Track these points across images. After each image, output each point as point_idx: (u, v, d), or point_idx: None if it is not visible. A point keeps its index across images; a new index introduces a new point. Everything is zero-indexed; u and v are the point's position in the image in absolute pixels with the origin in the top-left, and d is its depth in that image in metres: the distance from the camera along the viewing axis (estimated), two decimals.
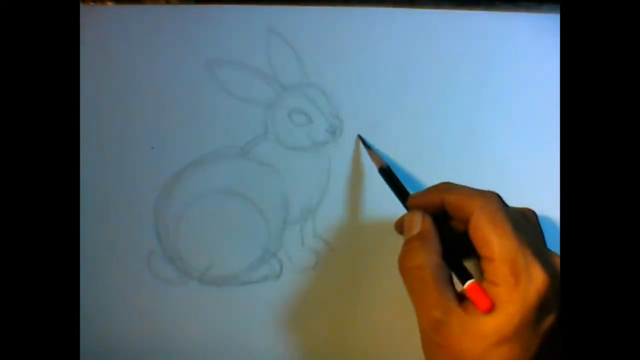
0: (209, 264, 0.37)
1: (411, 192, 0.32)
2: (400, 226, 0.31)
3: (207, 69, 0.36)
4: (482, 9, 0.36)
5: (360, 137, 0.36)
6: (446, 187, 0.29)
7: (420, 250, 0.27)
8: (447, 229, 0.29)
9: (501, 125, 0.36)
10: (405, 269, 0.28)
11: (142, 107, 0.36)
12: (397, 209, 0.32)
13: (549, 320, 0.25)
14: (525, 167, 0.36)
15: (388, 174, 0.33)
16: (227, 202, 0.37)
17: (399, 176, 0.33)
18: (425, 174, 0.36)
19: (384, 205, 0.36)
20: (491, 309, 0.25)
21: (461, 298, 0.26)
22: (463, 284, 0.26)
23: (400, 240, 0.29)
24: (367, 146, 0.36)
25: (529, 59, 0.36)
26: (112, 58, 0.36)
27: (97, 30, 0.36)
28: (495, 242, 0.25)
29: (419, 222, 0.28)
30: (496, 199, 0.27)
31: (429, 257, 0.27)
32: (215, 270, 0.37)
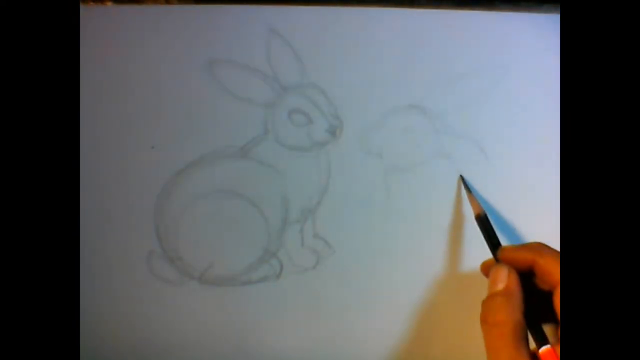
0: (209, 264, 0.37)
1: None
2: (486, 269, 0.32)
3: (207, 69, 0.36)
4: (482, 9, 0.36)
5: (462, 179, 0.36)
6: (539, 248, 0.30)
7: (504, 306, 0.28)
8: (530, 288, 0.30)
9: (501, 125, 0.36)
10: (487, 323, 0.28)
11: (142, 107, 0.36)
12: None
13: None
14: (525, 166, 0.36)
15: (484, 222, 0.33)
16: (227, 202, 0.37)
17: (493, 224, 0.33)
18: (425, 173, 0.36)
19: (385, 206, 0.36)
20: None
21: (534, 357, 0.27)
22: (539, 347, 0.27)
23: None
24: (468, 189, 0.35)
25: (529, 59, 0.36)
26: (112, 58, 0.36)
27: (97, 30, 0.36)
28: None
29: (505, 278, 0.29)
30: None
31: (511, 314, 0.28)
32: (215, 270, 0.37)
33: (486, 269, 0.33)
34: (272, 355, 0.38)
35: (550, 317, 0.28)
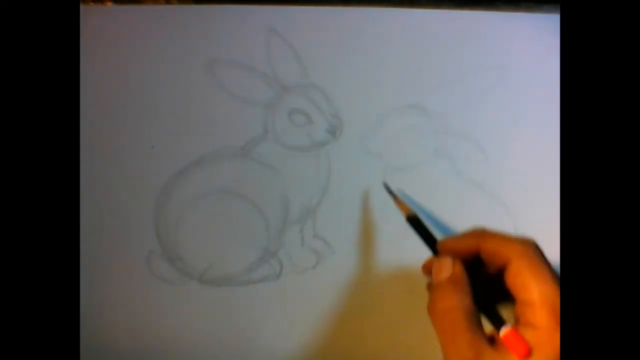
0: (209, 264, 0.37)
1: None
2: (428, 268, 0.32)
3: (207, 69, 0.36)
4: (482, 9, 0.36)
5: (385, 186, 0.36)
6: (481, 233, 0.30)
7: (453, 293, 0.28)
8: (476, 274, 0.29)
9: (501, 125, 0.36)
10: (436, 311, 0.28)
11: (142, 107, 0.36)
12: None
13: None
14: (525, 166, 0.36)
15: (416, 222, 0.33)
16: (227, 202, 0.37)
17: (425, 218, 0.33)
18: (425, 173, 0.36)
19: (387, 208, 0.36)
20: (529, 354, 0.25)
21: (490, 340, 0.27)
22: (497, 329, 0.27)
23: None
24: (393, 194, 0.35)
25: (529, 59, 0.36)
26: (112, 58, 0.36)
27: (97, 30, 0.36)
28: (535, 287, 0.26)
29: (450, 267, 0.29)
30: (533, 245, 0.28)
31: (460, 300, 0.28)
32: (215, 270, 0.37)
33: (427, 267, 0.32)
34: (272, 355, 0.38)
35: (504, 300, 0.28)
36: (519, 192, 0.36)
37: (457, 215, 0.36)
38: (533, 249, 0.27)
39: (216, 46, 0.36)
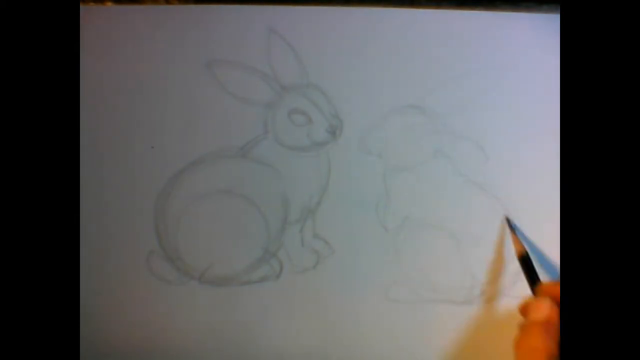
0: (209, 264, 0.37)
1: None
2: (524, 309, 0.32)
3: (207, 69, 0.36)
4: (482, 9, 0.36)
5: (507, 219, 0.36)
6: None
7: (542, 335, 0.28)
8: None
9: (501, 125, 0.36)
10: (523, 348, 0.28)
11: (142, 107, 0.36)
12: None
13: None
14: (525, 166, 0.36)
15: (526, 261, 0.34)
16: (227, 202, 0.37)
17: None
18: (425, 173, 0.36)
19: (391, 207, 0.36)
20: None
21: None
22: None
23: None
24: (512, 229, 0.35)
25: (529, 59, 0.36)
26: (112, 58, 0.36)
27: (97, 30, 0.36)
28: None
29: (547, 308, 0.29)
30: None
31: (548, 344, 0.28)
32: (215, 270, 0.37)
33: (524, 308, 0.32)
34: (272, 355, 0.38)
35: None
36: (519, 192, 0.36)
37: (457, 216, 0.36)
38: None
39: (216, 46, 0.36)
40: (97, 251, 0.37)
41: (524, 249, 0.34)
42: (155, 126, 0.36)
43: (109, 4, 0.36)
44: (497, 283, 0.37)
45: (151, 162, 0.37)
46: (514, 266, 0.35)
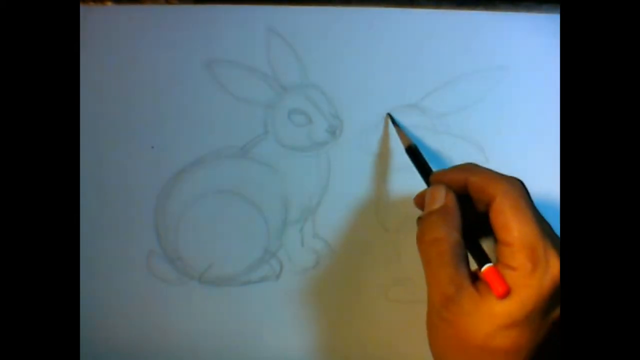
0: (209, 264, 0.37)
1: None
2: (420, 200, 0.31)
3: (207, 69, 0.36)
4: (482, 9, 0.36)
5: (389, 116, 0.36)
6: (471, 167, 0.29)
7: (442, 224, 0.27)
8: (466, 209, 0.29)
9: (501, 125, 0.36)
10: (423, 241, 0.28)
11: (142, 107, 0.36)
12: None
13: (559, 309, 0.25)
14: (525, 167, 0.36)
15: (415, 152, 0.33)
16: (227, 202, 0.37)
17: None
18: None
19: (389, 204, 0.36)
20: (507, 294, 0.25)
21: (473, 278, 0.27)
22: (480, 267, 0.26)
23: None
24: (396, 125, 0.35)
25: (529, 59, 0.36)
26: (112, 58, 0.36)
27: (97, 30, 0.36)
28: (516, 227, 0.25)
29: (442, 197, 0.28)
30: (519, 185, 0.27)
31: (449, 232, 0.27)
32: (215, 270, 0.37)
33: (420, 199, 0.32)
34: (272, 355, 0.38)
35: (487, 236, 0.28)
36: None
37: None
38: (518, 188, 0.27)
39: (216, 46, 0.36)
40: (97, 251, 0.37)
41: (411, 140, 0.34)
42: (155, 126, 0.36)
43: (109, 4, 0.36)
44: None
45: (151, 162, 0.37)
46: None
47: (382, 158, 0.36)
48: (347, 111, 0.36)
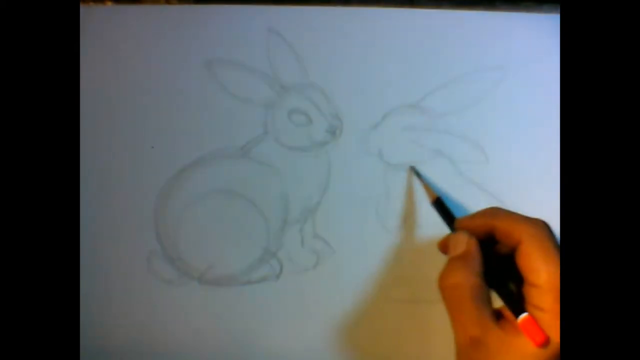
0: (209, 264, 0.37)
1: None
2: (443, 246, 0.32)
3: (206, 69, 0.36)
4: (482, 9, 0.36)
5: (413, 169, 0.36)
6: (495, 212, 0.30)
7: (462, 269, 0.28)
8: (490, 252, 0.30)
9: (501, 125, 0.36)
10: (444, 286, 0.28)
11: (142, 107, 0.36)
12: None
13: None
14: (525, 167, 0.36)
15: (440, 204, 0.34)
16: (227, 202, 0.37)
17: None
18: (425, 173, 0.36)
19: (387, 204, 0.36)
20: (546, 343, 0.25)
21: (497, 316, 0.27)
22: (516, 315, 0.27)
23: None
24: (421, 178, 0.36)
25: (529, 59, 0.36)
26: (112, 58, 0.36)
27: (97, 30, 0.36)
28: (543, 269, 0.26)
29: (464, 243, 0.29)
30: (545, 227, 0.28)
31: (469, 277, 0.28)
32: (215, 270, 0.37)
33: (443, 244, 0.32)
34: (272, 355, 0.38)
35: (512, 279, 0.28)
36: (519, 193, 0.36)
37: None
38: (544, 230, 0.27)
39: (216, 46, 0.36)
40: (97, 251, 0.37)
41: (436, 194, 0.35)
42: (155, 126, 0.36)
43: (109, 4, 0.36)
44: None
45: (151, 162, 0.37)
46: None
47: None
48: (347, 111, 0.36)
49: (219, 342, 0.38)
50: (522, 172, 0.37)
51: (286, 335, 0.37)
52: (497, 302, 0.28)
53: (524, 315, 0.26)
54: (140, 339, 0.38)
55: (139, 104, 0.36)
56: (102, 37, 0.36)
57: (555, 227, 0.28)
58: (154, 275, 0.37)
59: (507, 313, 0.27)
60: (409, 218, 0.37)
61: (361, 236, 0.37)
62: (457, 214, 0.33)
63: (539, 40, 0.36)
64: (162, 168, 0.36)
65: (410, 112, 0.36)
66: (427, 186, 0.35)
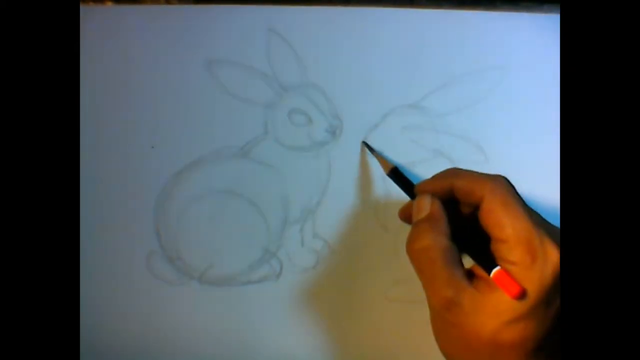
0: (209, 264, 0.37)
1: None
2: (405, 213, 0.32)
3: (207, 69, 0.36)
4: (482, 9, 0.36)
5: (365, 143, 0.36)
6: (454, 172, 0.30)
7: (429, 231, 0.28)
8: (454, 213, 0.29)
9: (501, 125, 0.36)
10: (413, 250, 0.28)
11: (142, 107, 0.36)
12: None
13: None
14: (525, 166, 0.36)
15: (397, 174, 0.34)
16: (227, 202, 0.37)
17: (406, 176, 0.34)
18: (425, 173, 0.36)
19: (386, 205, 0.36)
20: (522, 294, 0.25)
21: (470, 276, 0.27)
22: (488, 271, 0.26)
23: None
24: (373, 151, 0.36)
25: (529, 59, 0.36)
26: (112, 58, 0.36)
27: (97, 30, 0.36)
28: (508, 223, 0.26)
29: (428, 205, 0.29)
30: (505, 182, 0.28)
31: (437, 238, 0.27)
32: (215, 270, 0.37)
33: (404, 212, 0.32)
34: (272, 355, 0.38)
35: (479, 237, 0.28)
36: (518, 191, 0.36)
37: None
38: (504, 185, 0.27)
39: (216, 46, 0.36)
40: (97, 251, 0.37)
41: (391, 164, 0.34)
42: (155, 126, 0.36)
43: (109, 4, 0.36)
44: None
45: (151, 162, 0.37)
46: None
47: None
48: (347, 111, 0.36)
49: (219, 342, 0.38)
50: (521, 172, 0.37)
51: (286, 335, 0.37)
52: (468, 263, 0.28)
53: (496, 269, 0.26)
54: (140, 338, 0.38)
55: (139, 104, 0.36)
56: (102, 37, 0.36)
57: (555, 225, 0.28)
58: (154, 275, 0.37)
59: (479, 271, 0.27)
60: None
61: (361, 236, 0.37)
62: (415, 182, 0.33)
63: (539, 40, 0.36)
64: (162, 168, 0.36)
65: (410, 112, 0.36)
66: (381, 158, 0.35)
